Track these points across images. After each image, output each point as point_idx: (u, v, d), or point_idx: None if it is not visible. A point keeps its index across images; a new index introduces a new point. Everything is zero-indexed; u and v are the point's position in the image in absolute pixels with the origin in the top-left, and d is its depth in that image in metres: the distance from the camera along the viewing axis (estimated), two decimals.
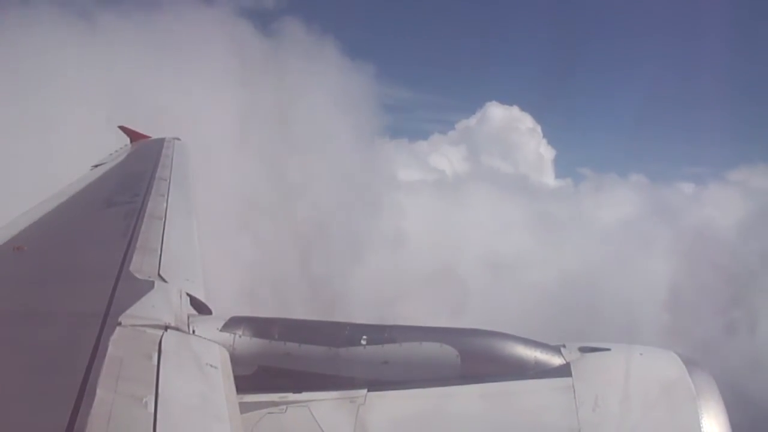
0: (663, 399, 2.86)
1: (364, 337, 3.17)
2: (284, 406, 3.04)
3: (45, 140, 23.00)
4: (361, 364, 3.13)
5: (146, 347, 2.66)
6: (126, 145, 12.24)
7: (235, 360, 3.07)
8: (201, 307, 3.64)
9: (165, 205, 6.06)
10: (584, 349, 3.12)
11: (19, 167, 18.62)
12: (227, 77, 38.51)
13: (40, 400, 2.18)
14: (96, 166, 9.74)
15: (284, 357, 3.17)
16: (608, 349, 3.11)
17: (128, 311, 2.96)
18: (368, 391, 3.06)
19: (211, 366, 2.78)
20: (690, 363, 2.99)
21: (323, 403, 3.04)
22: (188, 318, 3.27)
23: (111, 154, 11.08)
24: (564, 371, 3.02)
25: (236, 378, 2.84)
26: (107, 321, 2.83)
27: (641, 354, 3.07)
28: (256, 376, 3.15)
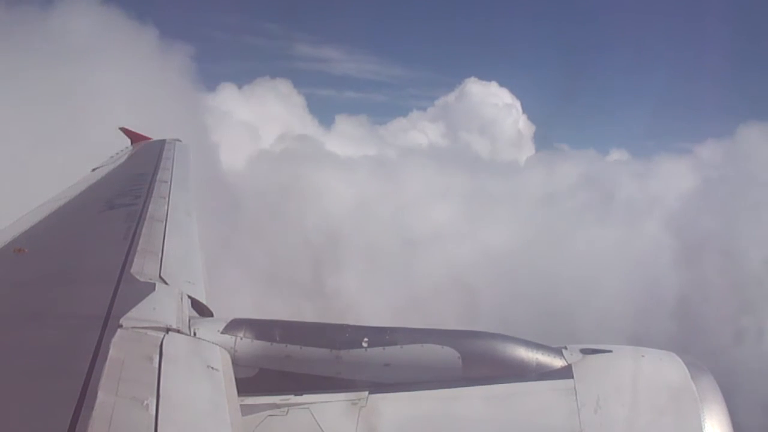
0: (665, 401, 2.85)
1: (366, 339, 3.17)
2: (286, 409, 3.03)
3: None
4: (363, 367, 3.13)
5: (147, 349, 2.66)
6: (127, 147, 12.37)
7: (237, 362, 3.08)
8: (202, 310, 3.65)
9: (166, 207, 6.07)
10: (586, 351, 3.12)
11: None
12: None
13: (42, 403, 2.17)
14: (95, 169, 9.83)
15: (285, 359, 3.17)
16: (610, 351, 3.11)
17: (129, 313, 2.96)
18: (370, 393, 3.05)
19: (213, 368, 2.78)
20: (692, 365, 2.99)
21: (325, 406, 3.03)
22: (189, 320, 3.27)
23: (111, 157, 11.15)
24: (565, 373, 3.01)
25: (237, 380, 2.84)
26: (108, 323, 2.83)
27: (643, 356, 3.06)
28: (258, 379, 3.15)
